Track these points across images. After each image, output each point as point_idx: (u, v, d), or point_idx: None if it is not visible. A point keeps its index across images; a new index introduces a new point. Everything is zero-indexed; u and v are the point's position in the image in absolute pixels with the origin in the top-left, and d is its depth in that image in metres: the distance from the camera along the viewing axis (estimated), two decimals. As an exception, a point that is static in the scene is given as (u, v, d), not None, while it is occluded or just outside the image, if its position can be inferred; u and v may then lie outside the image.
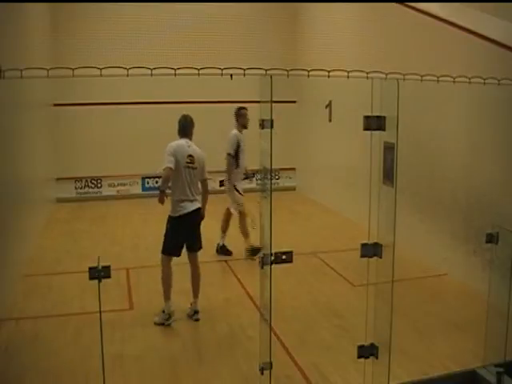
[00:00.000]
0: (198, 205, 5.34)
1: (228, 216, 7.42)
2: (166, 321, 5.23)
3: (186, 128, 5.40)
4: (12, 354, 4.66)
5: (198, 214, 5.36)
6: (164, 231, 5.36)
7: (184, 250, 5.42)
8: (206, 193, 5.48)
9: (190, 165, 5.25)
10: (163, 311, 5.26)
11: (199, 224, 5.43)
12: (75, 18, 10.25)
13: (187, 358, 4.63)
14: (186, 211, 5.25)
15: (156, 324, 5.23)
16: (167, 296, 5.28)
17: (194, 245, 5.42)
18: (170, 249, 5.31)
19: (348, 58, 8.27)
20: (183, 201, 5.25)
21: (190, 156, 5.26)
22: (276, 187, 11.10)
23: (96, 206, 10.71)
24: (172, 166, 5.15)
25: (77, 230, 8.85)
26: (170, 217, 5.32)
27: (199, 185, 5.42)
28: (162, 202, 5.18)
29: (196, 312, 5.38)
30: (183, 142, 5.33)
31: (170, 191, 5.30)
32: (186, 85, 8.92)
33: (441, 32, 6.53)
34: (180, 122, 5.42)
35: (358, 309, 4.51)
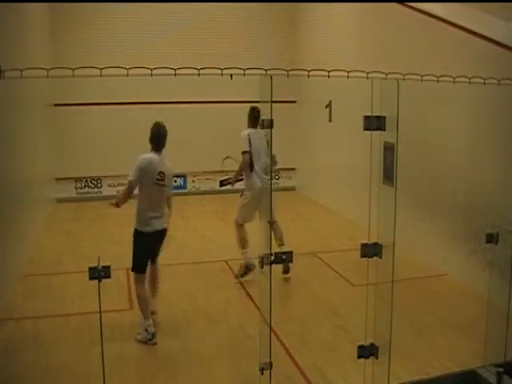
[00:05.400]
0: (164, 224, 5.10)
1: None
2: (149, 340, 4.86)
3: (159, 139, 5.02)
4: (12, 354, 4.66)
5: (164, 233, 5.13)
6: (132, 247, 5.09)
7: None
8: (169, 206, 5.24)
9: (161, 182, 4.99)
10: (146, 329, 4.88)
11: (163, 241, 5.19)
12: (75, 18, 10.24)
13: (187, 358, 4.64)
14: (154, 229, 5.01)
15: (138, 341, 4.90)
16: (147, 315, 4.96)
17: (155, 257, 5.23)
18: (141, 265, 5.06)
19: (348, 58, 8.26)
20: (151, 218, 5.00)
21: (161, 173, 4.98)
22: (276, 187, 11.10)
23: (96, 206, 10.70)
24: (135, 178, 4.91)
25: (77, 229, 8.85)
26: (137, 231, 5.03)
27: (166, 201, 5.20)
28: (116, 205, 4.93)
29: (152, 312, 5.11)
30: (156, 156, 5.00)
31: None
32: (186, 85, 8.92)
33: (441, 32, 6.53)
34: (152, 131, 5.03)
35: (358, 309, 4.51)
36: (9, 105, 6.19)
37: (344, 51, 8.82)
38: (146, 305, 5.01)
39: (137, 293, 5.05)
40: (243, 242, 6.44)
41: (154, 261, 5.25)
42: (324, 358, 4.59)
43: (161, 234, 5.12)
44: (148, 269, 5.16)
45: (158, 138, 5.03)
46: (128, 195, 5.00)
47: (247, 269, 6.32)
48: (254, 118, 6.28)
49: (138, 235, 5.02)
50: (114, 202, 4.99)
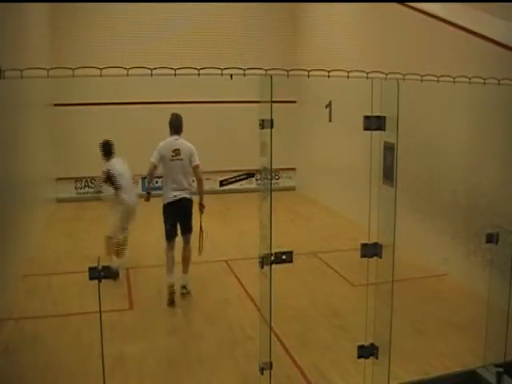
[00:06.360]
0: (184, 194, 5.84)
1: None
2: (169, 289, 5.74)
3: (176, 127, 5.85)
4: (12, 354, 4.66)
5: (182, 203, 5.85)
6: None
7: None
8: (199, 181, 5.98)
9: (176, 157, 5.76)
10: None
11: (187, 211, 5.93)
12: (75, 18, 10.24)
13: (187, 358, 4.64)
14: (169, 201, 5.82)
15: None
16: (168, 271, 5.86)
17: (184, 229, 5.97)
18: (167, 234, 5.91)
19: (348, 58, 8.27)
20: (168, 191, 5.82)
21: (176, 150, 5.75)
22: (276, 187, 11.10)
23: (96, 206, 10.68)
24: (155, 160, 5.77)
25: (77, 230, 8.85)
26: (162, 205, 5.92)
27: (191, 175, 5.93)
28: (147, 200, 5.99)
29: (183, 287, 5.95)
30: (171, 138, 5.82)
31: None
32: (186, 85, 8.92)
33: (441, 32, 6.54)
34: (171, 121, 5.87)
35: (357, 309, 4.51)
36: (9, 105, 6.19)
37: (344, 51, 8.83)
38: (168, 263, 5.90)
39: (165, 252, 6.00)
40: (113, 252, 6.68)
41: (183, 233, 5.96)
42: (324, 358, 4.59)
43: (179, 204, 5.83)
44: (182, 250, 5.98)
45: (174, 125, 5.86)
46: (150, 174, 5.89)
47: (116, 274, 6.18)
48: (109, 151, 7.07)
49: (162, 207, 5.92)
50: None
